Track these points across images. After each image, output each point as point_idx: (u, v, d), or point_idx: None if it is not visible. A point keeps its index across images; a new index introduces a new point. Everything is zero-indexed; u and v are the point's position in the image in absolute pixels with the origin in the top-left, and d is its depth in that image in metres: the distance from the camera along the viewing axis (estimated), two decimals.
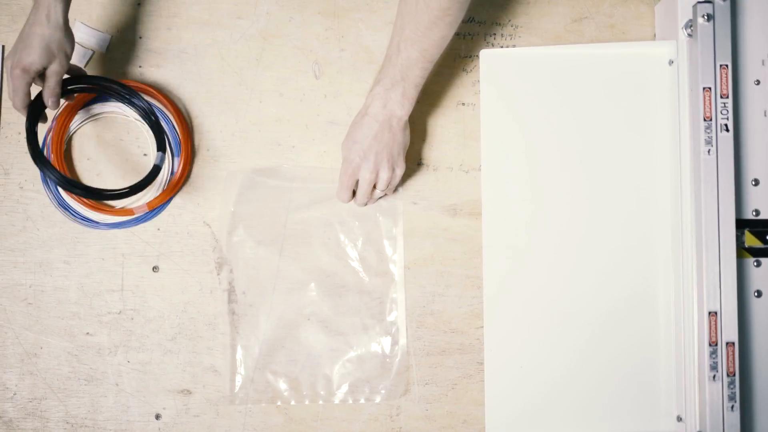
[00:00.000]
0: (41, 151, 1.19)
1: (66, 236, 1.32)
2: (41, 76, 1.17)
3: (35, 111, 1.20)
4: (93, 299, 1.32)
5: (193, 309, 1.32)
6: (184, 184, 1.32)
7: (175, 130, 1.32)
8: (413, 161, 1.33)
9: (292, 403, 1.31)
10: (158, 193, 1.31)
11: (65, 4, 1.16)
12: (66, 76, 1.22)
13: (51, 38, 1.15)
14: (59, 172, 1.19)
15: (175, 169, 1.32)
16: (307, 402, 1.31)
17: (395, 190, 1.31)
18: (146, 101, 1.28)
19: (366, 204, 1.29)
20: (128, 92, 1.27)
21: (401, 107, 1.19)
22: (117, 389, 1.31)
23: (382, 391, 1.31)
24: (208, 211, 1.32)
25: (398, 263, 1.32)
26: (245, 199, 1.32)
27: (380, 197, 1.30)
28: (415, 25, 1.13)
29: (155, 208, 1.31)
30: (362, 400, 1.31)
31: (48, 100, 1.18)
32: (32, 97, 1.19)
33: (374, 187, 1.26)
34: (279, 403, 1.31)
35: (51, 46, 1.15)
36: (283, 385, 1.31)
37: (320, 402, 1.31)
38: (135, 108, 1.29)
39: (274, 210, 1.33)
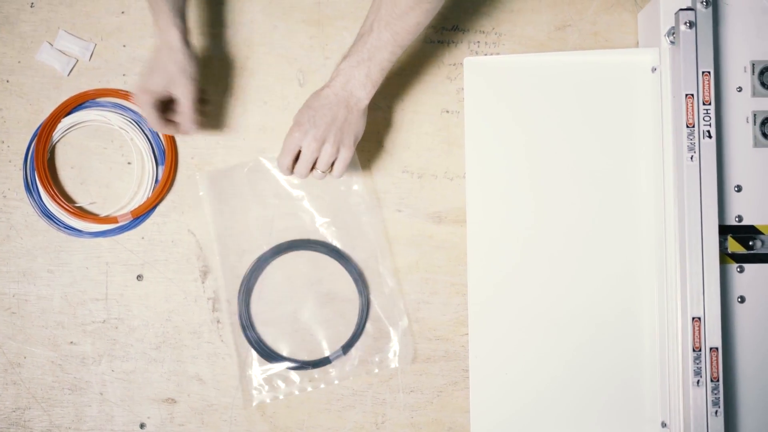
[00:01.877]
0: None
1: (50, 245, 1.31)
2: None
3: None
4: (77, 308, 1.31)
5: (178, 318, 1.32)
6: (168, 192, 1.32)
7: (159, 139, 1.32)
8: (397, 169, 1.33)
9: (309, 389, 1.32)
10: (143, 201, 1.31)
11: (179, 29, 1.18)
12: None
13: (169, 61, 1.18)
14: None
15: (160, 177, 1.31)
16: (322, 385, 1.31)
17: (340, 175, 1.23)
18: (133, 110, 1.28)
19: (306, 177, 1.21)
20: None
21: (363, 88, 1.17)
22: (101, 398, 1.31)
23: (392, 356, 1.31)
24: (192, 220, 1.32)
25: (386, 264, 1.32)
26: (228, 207, 1.32)
27: (321, 177, 1.22)
28: (393, 7, 1.12)
29: (139, 216, 1.31)
30: (376, 370, 1.31)
31: (184, 126, 1.22)
32: None
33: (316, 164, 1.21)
34: (297, 393, 1.32)
35: (169, 68, 1.18)
36: (295, 377, 1.31)
37: (335, 382, 1.32)
38: (123, 116, 1.29)
39: (258, 218, 1.32)
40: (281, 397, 1.31)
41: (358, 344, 1.32)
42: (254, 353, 1.31)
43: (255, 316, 1.32)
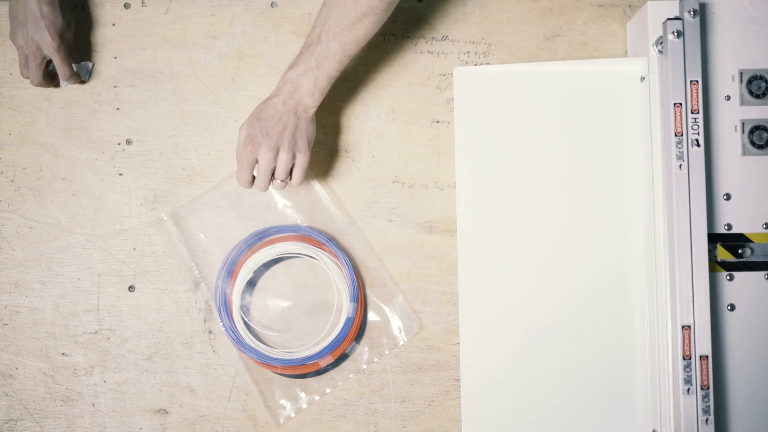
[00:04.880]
0: None
1: (41, 256, 1.32)
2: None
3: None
4: (69, 319, 1.32)
5: (170, 328, 1.32)
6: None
7: None
8: (388, 179, 1.33)
9: (328, 391, 1.32)
10: None
11: None
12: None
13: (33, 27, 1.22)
14: None
15: None
16: (341, 383, 1.32)
17: (300, 182, 1.24)
18: None
19: (266, 189, 1.22)
20: None
21: (311, 96, 1.18)
22: (93, 409, 1.31)
23: (398, 332, 1.32)
24: (184, 230, 1.32)
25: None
26: (216, 220, 1.33)
27: (281, 187, 1.23)
28: (341, 18, 1.14)
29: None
30: (387, 351, 1.32)
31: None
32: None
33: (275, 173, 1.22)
34: (317, 398, 1.32)
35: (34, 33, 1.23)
36: (312, 382, 1.32)
37: (350, 376, 1.32)
38: None
39: (248, 228, 1.33)
40: (305, 406, 1.31)
41: (365, 333, 1.33)
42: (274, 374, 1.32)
43: (255, 319, 1.32)
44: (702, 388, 1.16)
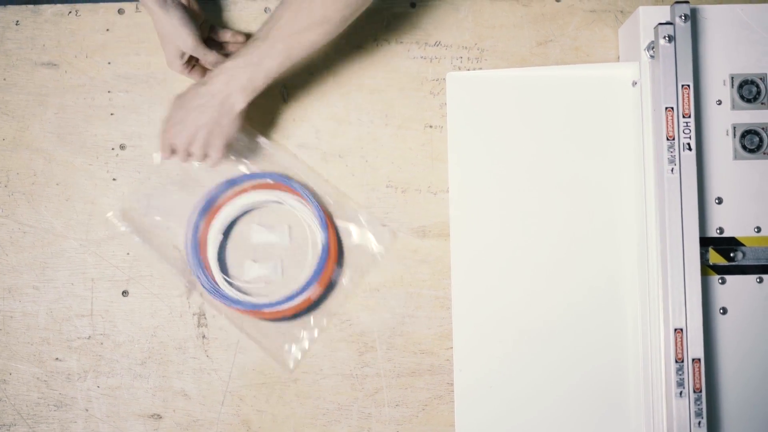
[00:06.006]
0: None
1: (35, 261, 1.32)
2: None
3: None
4: (62, 324, 1.32)
5: (163, 333, 1.32)
6: None
7: None
8: (381, 183, 1.33)
9: (325, 322, 1.33)
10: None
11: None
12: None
13: (163, 30, 1.23)
14: None
15: None
16: (336, 312, 1.33)
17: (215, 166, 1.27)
18: None
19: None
20: None
21: (242, 91, 1.17)
22: (87, 414, 1.31)
23: (373, 246, 1.34)
24: (178, 235, 1.32)
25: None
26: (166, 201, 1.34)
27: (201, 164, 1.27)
28: (293, 22, 1.13)
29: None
30: (369, 270, 1.34)
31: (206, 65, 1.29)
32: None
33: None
34: (316, 334, 1.33)
35: (167, 35, 1.23)
36: (308, 319, 1.33)
37: (343, 298, 1.33)
38: None
39: (241, 232, 1.33)
40: (308, 345, 1.32)
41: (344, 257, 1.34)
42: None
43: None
44: (694, 391, 1.16)
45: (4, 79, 1.34)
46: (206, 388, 1.32)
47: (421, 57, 1.35)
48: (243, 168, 1.33)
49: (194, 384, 1.31)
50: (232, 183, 1.32)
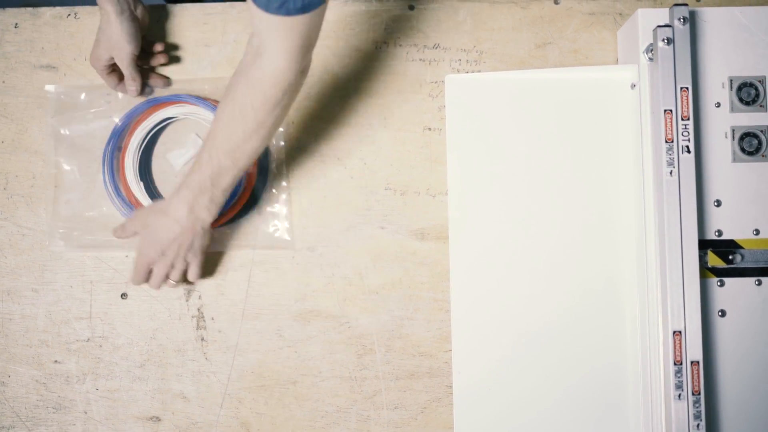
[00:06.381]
0: None
1: (34, 264, 1.32)
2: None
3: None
4: (61, 327, 1.32)
5: (162, 335, 1.32)
6: None
7: None
8: (380, 186, 1.33)
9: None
10: None
11: (113, 5, 1.23)
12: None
13: (108, 33, 1.26)
14: None
15: None
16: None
17: (197, 278, 1.29)
18: None
19: (159, 288, 1.27)
20: None
21: (208, 212, 1.19)
22: (85, 417, 1.31)
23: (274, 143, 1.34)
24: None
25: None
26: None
27: (175, 286, 1.28)
28: (230, 136, 1.13)
29: None
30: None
31: (127, 87, 1.32)
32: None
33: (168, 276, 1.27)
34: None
35: (109, 39, 1.26)
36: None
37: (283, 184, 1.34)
38: None
39: (242, 235, 1.33)
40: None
41: None
42: None
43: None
44: (693, 394, 1.16)
45: (3, 82, 1.34)
46: (205, 390, 1.32)
47: (420, 59, 1.35)
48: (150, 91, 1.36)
49: (193, 386, 1.31)
50: (143, 107, 1.33)
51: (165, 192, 1.34)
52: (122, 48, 1.26)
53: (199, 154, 1.17)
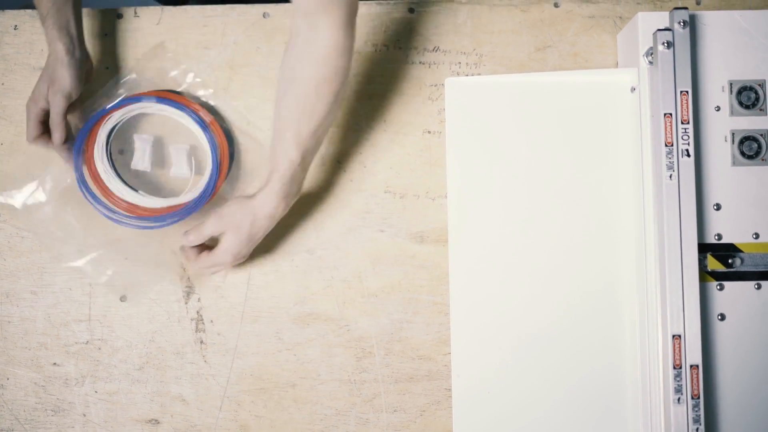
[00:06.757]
0: None
1: (33, 266, 1.32)
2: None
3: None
4: (60, 329, 1.31)
5: (161, 338, 1.32)
6: None
7: None
8: (380, 189, 1.33)
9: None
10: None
11: (64, 44, 1.22)
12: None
13: (52, 72, 1.23)
14: None
15: None
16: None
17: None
18: None
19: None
20: None
21: (293, 198, 1.23)
22: (84, 420, 1.31)
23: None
24: (176, 240, 1.32)
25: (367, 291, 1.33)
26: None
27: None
28: (311, 116, 1.15)
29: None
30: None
31: (53, 137, 1.25)
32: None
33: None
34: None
35: (51, 78, 1.23)
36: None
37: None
38: None
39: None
40: None
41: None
42: None
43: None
44: (692, 398, 1.16)
45: (2, 84, 1.34)
46: (204, 393, 1.31)
47: (420, 62, 1.35)
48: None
49: (192, 389, 1.31)
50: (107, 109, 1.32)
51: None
52: (61, 89, 1.22)
53: (273, 147, 1.18)
